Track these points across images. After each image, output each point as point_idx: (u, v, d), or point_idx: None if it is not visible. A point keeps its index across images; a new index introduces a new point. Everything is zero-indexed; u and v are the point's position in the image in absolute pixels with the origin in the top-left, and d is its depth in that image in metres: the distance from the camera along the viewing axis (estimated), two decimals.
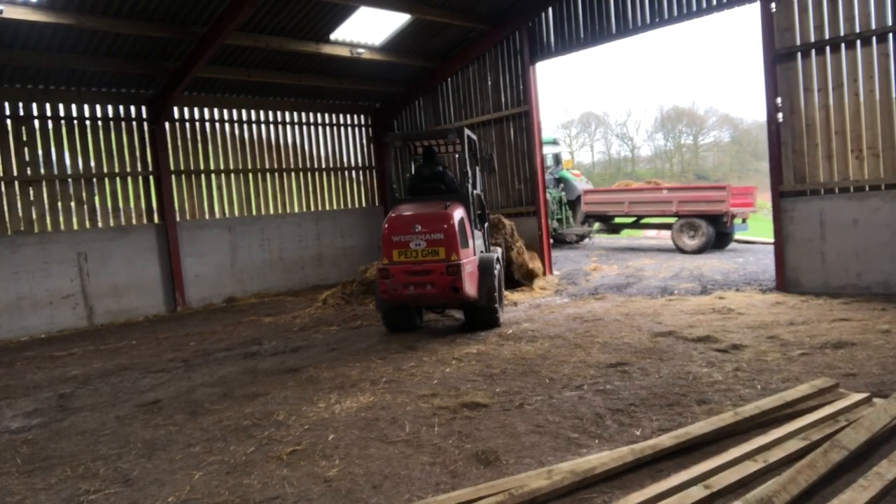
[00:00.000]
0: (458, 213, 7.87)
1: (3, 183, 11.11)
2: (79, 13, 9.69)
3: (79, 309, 11.67)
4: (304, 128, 15.47)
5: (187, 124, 13.49)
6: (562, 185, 20.74)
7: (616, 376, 5.51)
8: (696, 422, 4.08)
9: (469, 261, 7.80)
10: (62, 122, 11.83)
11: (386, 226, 7.84)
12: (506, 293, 10.27)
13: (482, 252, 8.73)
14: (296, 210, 15.19)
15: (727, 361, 5.68)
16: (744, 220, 16.59)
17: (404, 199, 8.71)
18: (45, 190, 11.52)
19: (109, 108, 12.39)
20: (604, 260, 15.47)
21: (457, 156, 9.54)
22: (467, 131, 8.74)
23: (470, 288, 7.71)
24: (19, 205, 11.26)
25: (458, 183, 8.74)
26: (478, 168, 9.45)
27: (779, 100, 9.30)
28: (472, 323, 8.26)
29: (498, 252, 9.40)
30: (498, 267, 8.44)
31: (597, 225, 19.52)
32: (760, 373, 5.26)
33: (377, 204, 16.89)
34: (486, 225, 9.42)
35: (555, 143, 23.32)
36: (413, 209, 8.02)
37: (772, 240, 9.80)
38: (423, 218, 7.73)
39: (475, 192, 8.77)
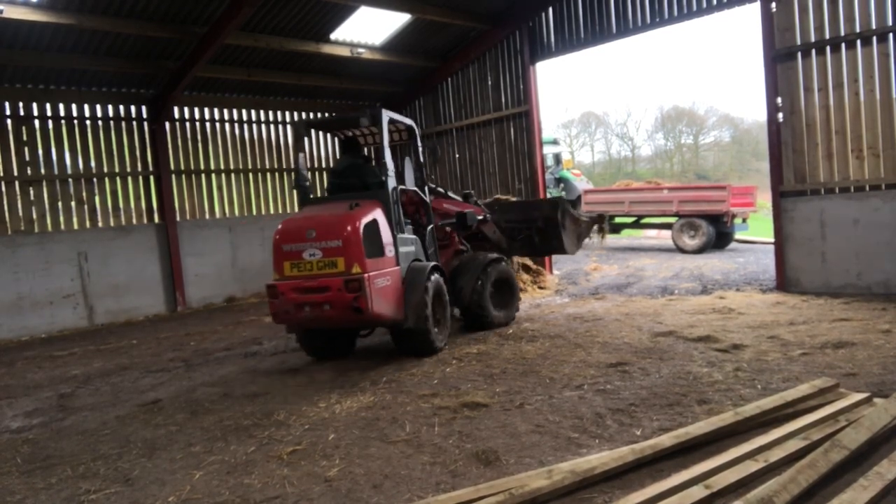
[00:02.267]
0: (369, 215, 6.38)
1: (3, 183, 11.11)
2: (79, 13, 9.70)
3: (79, 309, 11.67)
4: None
5: (187, 124, 13.49)
6: (562, 185, 20.77)
7: (616, 376, 5.50)
8: (697, 422, 4.08)
9: (384, 273, 6.33)
10: (62, 121, 11.84)
11: (277, 233, 6.47)
12: None
13: (417, 261, 7.09)
14: (296, 210, 15.17)
15: (727, 361, 5.68)
16: (744, 220, 16.60)
17: (316, 199, 7.31)
18: (45, 190, 11.53)
19: (110, 107, 12.39)
20: (604, 260, 15.47)
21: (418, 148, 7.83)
22: (392, 115, 7.23)
23: (383, 306, 6.24)
24: (20, 204, 11.26)
25: (381, 179, 6.84)
26: (408, 160, 7.52)
27: (779, 99, 9.30)
28: (401, 348, 6.92)
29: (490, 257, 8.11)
30: (434, 278, 6.88)
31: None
32: (761, 372, 5.25)
33: None
34: (430, 228, 7.66)
35: (555, 142, 23.37)
36: (315, 211, 6.69)
37: (772, 239, 9.80)
38: (319, 222, 6.32)
39: (400, 187, 7.09)
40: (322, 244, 6.18)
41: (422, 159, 7.90)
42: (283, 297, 6.29)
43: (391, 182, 6.74)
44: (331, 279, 6.09)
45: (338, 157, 7.65)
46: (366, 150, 8.59)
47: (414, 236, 7.25)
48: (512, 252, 9.86)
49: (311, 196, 7.32)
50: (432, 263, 7.10)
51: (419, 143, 7.92)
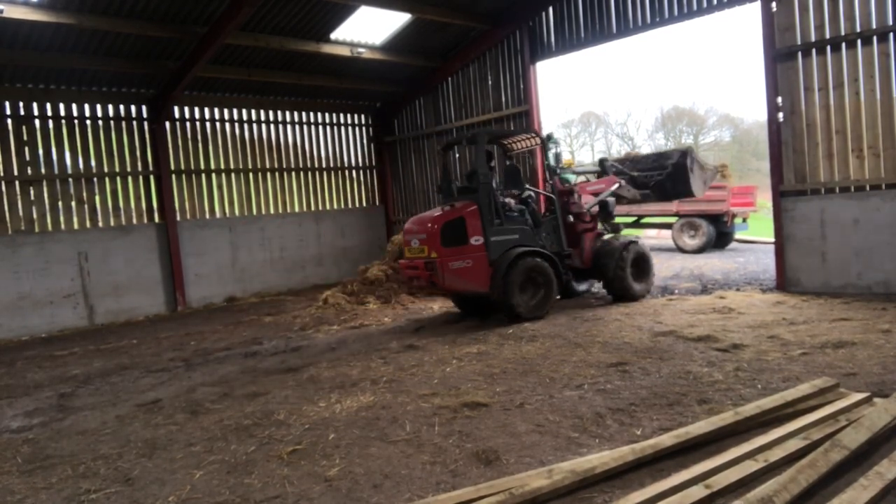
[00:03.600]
0: (456, 216, 8.36)
1: (3, 182, 11.12)
2: (79, 13, 9.70)
3: (79, 308, 11.68)
4: (305, 127, 15.48)
5: (188, 124, 13.49)
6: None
7: (616, 376, 5.50)
8: (697, 421, 4.08)
9: (464, 257, 8.31)
10: (63, 121, 11.84)
11: (405, 225, 9.14)
12: None
13: (521, 246, 8.62)
14: (296, 209, 15.19)
15: (728, 361, 5.68)
16: (744, 220, 16.59)
17: (447, 199, 9.34)
18: (45, 189, 11.53)
19: (110, 107, 12.39)
20: None
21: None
22: (501, 132, 9.83)
23: (456, 282, 8.30)
24: (20, 204, 11.26)
25: (494, 181, 8.94)
26: (492, 166, 9.53)
27: (779, 99, 9.30)
28: (495, 310, 8.90)
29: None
30: (522, 263, 8.43)
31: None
32: (761, 372, 5.26)
33: (377, 204, 16.89)
34: (551, 218, 9.40)
35: (555, 142, 23.31)
36: (427, 211, 9.30)
37: (772, 239, 9.80)
38: (419, 221, 8.75)
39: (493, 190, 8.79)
40: (419, 236, 8.51)
41: (551, 162, 9.69)
42: (402, 271, 9.15)
43: (485, 189, 8.54)
44: (420, 261, 8.42)
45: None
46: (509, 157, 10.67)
47: (517, 226, 8.85)
48: (645, 199, 11.21)
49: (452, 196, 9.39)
50: (522, 250, 8.59)
51: (548, 147, 9.68)
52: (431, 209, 9.36)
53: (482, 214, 8.47)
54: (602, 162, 10.63)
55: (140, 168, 12.72)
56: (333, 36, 12.61)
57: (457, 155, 14.92)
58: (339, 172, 16.17)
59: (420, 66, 14.57)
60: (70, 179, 11.84)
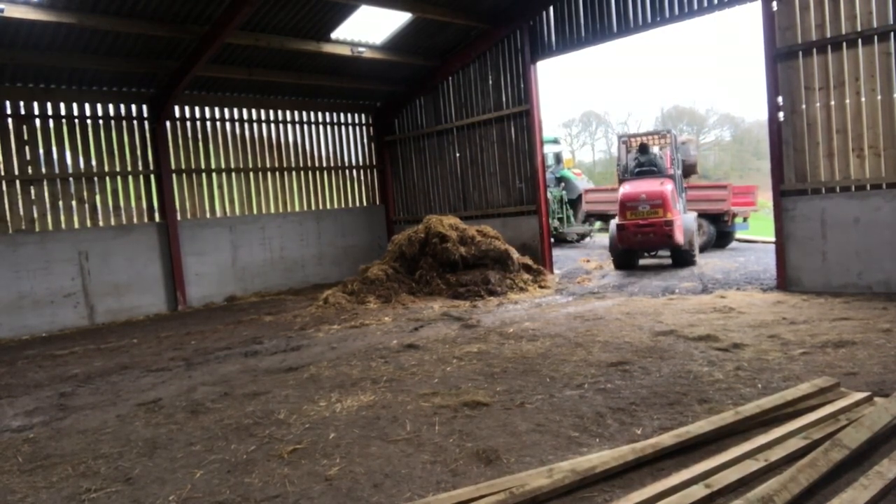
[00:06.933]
0: (670, 186, 12.03)
1: (4, 182, 11.11)
2: (80, 12, 9.69)
3: (80, 308, 11.68)
4: (305, 127, 15.47)
5: (188, 123, 13.49)
6: (563, 184, 20.78)
7: (617, 375, 5.50)
8: (697, 421, 4.08)
9: (678, 218, 11.82)
10: (63, 120, 11.83)
11: (621, 196, 12.22)
12: (509, 293, 11.07)
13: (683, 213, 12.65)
14: (297, 209, 15.19)
15: (728, 360, 5.68)
16: (745, 219, 16.60)
17: (628, 178, 13.07)
18: (46, 189, 11.52)
19: (110, 106, 12.39)
20: (605, 259, 15.44)
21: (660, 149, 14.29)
22: (673, 131, 14.18)
23: (679, 237, 11.79)
24: (20, 203, 11.26)
25: (664, 166, 13.16)
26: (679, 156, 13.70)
27: (780, 99, 9.29)
28: (676, 261, 12.75)
29: (693, 214, 13.67)
30: (694, 225, 12.77)
31: (598, 224, 19.50)
32: (761, 372, 5.25)
33: (378, 203, 16.89)
34: (682, 194, 13.40)
35: (556, 141, 23.37)
36: (637, 186, 12.25)
37: (773, 239, 9.80)
38: (646, 190, 11.89)
39: (678, 173, 13.14)
40: (652, 202, 11.69)
41: (678, 154, 13.55)
42: (627, 230, 11.95)
43: (675, 170, 13.04)
44: (656, 220, 11.60)
45: (634, 153, 13.76)
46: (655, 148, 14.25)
47: (681, 197, 12.80)
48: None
49: (623, 177, 13.50)
50: (695, 214, 13.50)
51: (677, 144, 13.77)
52: (625, 184, 12.63)
53: (676, 187, 12.35)
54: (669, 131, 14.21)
55: (141, 167, 12.72)
56: (334, 35, 12.61)
57: (457, 154, 14.95)
58: (340, 172, 16.17)
59: (420, 66, 14.57)
60: (70, 179, 11.84)
